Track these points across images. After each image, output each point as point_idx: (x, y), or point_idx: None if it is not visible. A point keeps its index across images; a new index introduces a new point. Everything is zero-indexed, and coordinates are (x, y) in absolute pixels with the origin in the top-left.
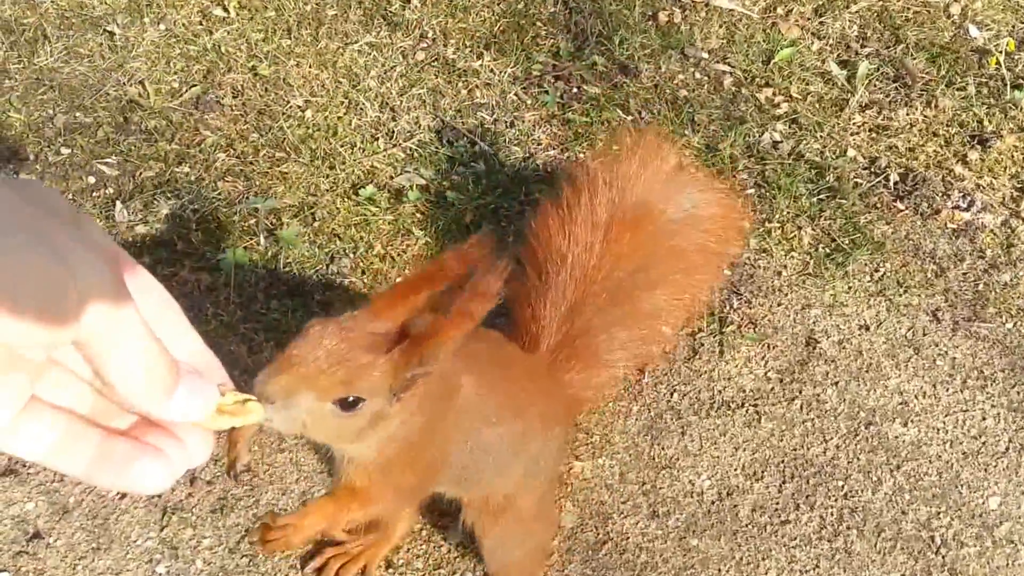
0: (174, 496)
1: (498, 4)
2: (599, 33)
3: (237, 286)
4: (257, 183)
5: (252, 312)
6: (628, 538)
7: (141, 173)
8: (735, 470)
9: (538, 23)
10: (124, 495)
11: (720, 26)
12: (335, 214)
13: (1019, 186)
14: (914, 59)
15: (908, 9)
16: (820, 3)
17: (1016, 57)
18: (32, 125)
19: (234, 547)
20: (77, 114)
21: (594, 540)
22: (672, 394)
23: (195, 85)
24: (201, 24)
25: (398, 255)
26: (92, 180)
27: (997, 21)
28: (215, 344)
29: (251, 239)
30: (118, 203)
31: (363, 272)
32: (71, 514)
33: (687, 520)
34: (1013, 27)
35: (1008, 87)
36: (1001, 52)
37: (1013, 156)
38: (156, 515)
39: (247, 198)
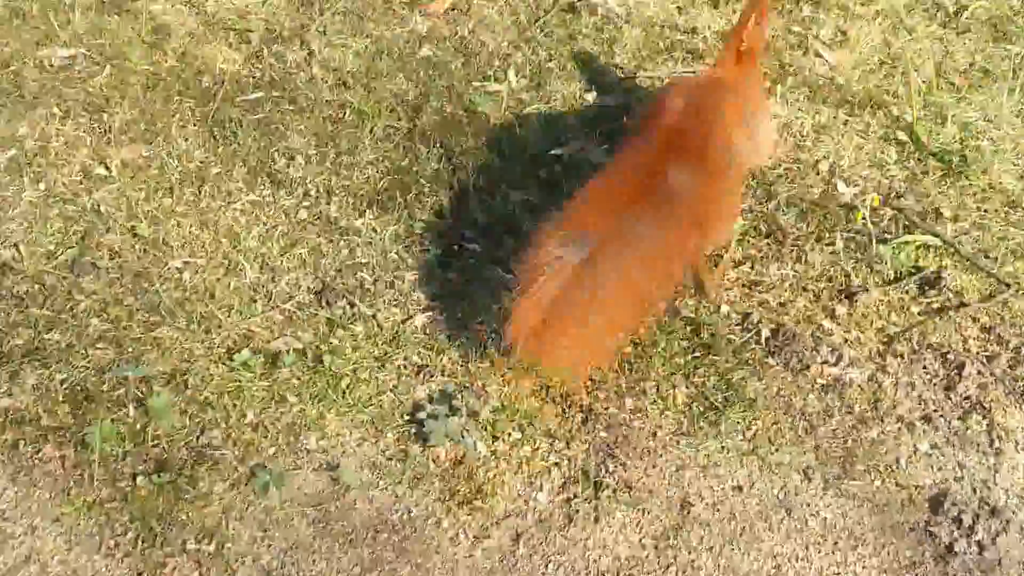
0: None
1: (382, 162)
2: (482, 189)
3: (103, 462)
4: (129, 349)
5: (118, 490)
6: None
7: (9, 341)
8: None
9: (421, 180)
10: None
11: None
12: (208, 381)
13: (885, 340)
14: (785, 215)
15: (780, 165)
16: None
17: (881, 212)
18: None
19: None
20: None
21: None
22: (547, 565)
23: (72, 247)
24: (82, 183)
25: (271, 424)
26: None
27: (864, 177)
28: (75, 528)
29: (120, 410)
30: None
31: (234, 443)
32: None
33: None
34: (878, 183)
35: (874, 242)
36: (867, 207)
37: (879, 310)
38: None
39: (118, 365)
